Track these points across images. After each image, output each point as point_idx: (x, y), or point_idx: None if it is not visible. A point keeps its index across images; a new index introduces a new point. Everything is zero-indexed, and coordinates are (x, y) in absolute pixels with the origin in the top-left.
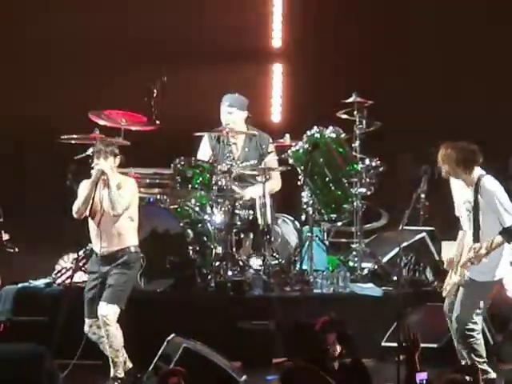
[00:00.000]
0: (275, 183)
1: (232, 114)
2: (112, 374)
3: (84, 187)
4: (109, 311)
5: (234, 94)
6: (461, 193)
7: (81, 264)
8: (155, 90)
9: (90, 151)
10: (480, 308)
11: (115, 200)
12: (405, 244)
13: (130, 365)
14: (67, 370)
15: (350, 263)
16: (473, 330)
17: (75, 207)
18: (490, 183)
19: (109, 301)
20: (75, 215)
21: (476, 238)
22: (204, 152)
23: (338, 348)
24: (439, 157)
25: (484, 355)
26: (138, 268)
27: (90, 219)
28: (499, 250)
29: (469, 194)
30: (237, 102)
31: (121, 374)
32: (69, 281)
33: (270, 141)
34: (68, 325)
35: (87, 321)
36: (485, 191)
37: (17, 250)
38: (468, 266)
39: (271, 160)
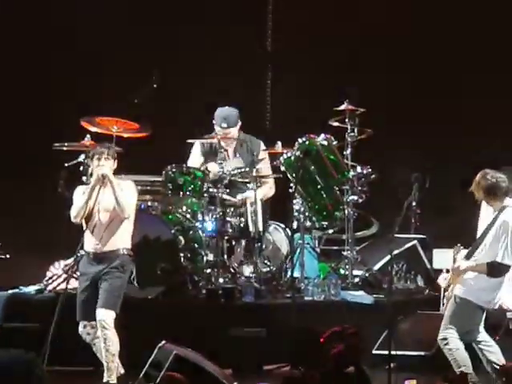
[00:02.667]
0: (268, 189)
1: (228, 133)
2: (105, 379)
3: (80, 193)
4: (107, 316)
5: (227, 111)
6: (487, 215)
7: (72, 270)
8: (148, 96)
9: (81, 158)
10: (455, 324)
11: (123, 203)
12: (396, 252)
13: (122, 371)
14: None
15: (341, 271)
16: (444, 339)
17: (74, 212)
18: (510, 216)
19: (106, 306)
20: (74, 220)
21: (469, 255)
22: (195, 159)
23: (343, 359)
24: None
25: (464, 366)
26: (130, 271)
27: (84, 220)
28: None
29: (490, 218)
30: (232, 120)
31: (114, 379)
32: (61, 287)
33: (263, 147)
34: (59, 331)
35: (81, 322)
36: (501, 221)
37: (8, 256)
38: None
39: (264, 167)
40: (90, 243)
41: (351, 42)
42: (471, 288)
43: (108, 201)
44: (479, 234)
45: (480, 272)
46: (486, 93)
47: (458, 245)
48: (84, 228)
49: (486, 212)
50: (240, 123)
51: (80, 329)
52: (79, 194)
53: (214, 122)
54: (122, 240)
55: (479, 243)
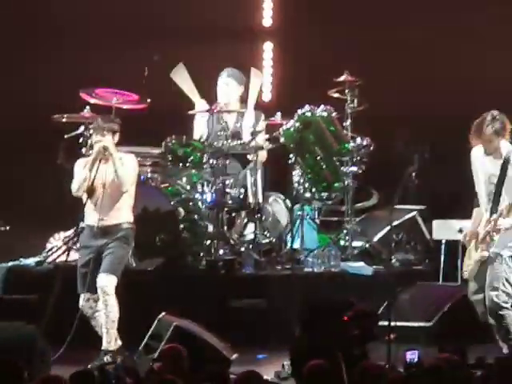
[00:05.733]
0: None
1: (228, 86)
2: (104, 346)
3: (81, 166)
4: (109, 282)
5: (232, 68)
6: (487, 166)
7: (72, 242)
8: (146, 69)
9: (80, 129)
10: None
11: (122, 176)
12: (396, 223)
13: (119, 342)
14: (60, 351)
15: (341, 242)
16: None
17: (75, 185)
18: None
19: (108, 271)
20: (75, 193)
21: (495, 211)
22: (199, 130)
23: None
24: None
25: None
26: (132, 245)
27: (85, 194)
28: None
29: (496, 167)
30: (235, 74)
31: (112, 346)
32: (61, 259)
33: (263, 117)
34: (59, 303)
35: (83, 295)
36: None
37: (7, 227)
38: (487, 240)
39: (261, 139)
40: (92, 217)
41: (352, 10)
42: (499, 242)
43: (109, 174)
44: (478, 184)
45: None
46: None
47: (482, 205)
48: (85, 201)
49: (482, 160)
50: (242, 89)
51: (81, 302)
52: (80, 167)
53: (218, 79)
54: (125, 213)
55: (498, 198)
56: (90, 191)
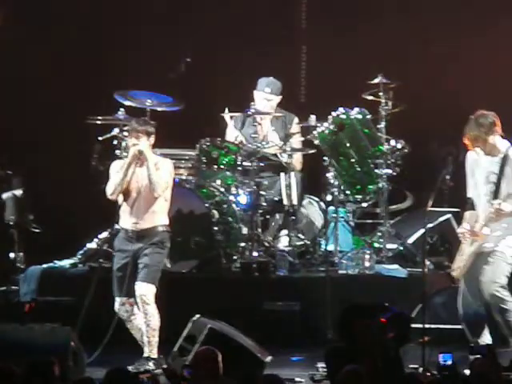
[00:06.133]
0: (296, 163)
1: (271, 101)
2: (146, 354)
3: (116, 168)
4: (148, 291)
5: (271, 79)
6: (485, 165)
7: (107, 244)
8: (181, 71)
9: (115, 131)
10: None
11: (155, 181)
12: (430, 225)
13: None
14: (95, 353)
15: (376, 244)
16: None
17: (111, 188)
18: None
19: (147, 280)
20: (111, 196)
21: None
22: (232, 132)
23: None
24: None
25: None
26: (168, 247)
27: (121, 197)
28: None
29: (493, 165)
30: (276, 88)
31: (155, 354)
32: (95, 261)
33: (296, 121)
34: (94, 305)
35: (118, 299)
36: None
37: (38, 230)
38: (485, 228)
39: (295, 141)
40: (127, 220)
41: (386, 12)
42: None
43: (144, 178)
44: (473, 187)
45: None
46: None
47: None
48: (120, 204)
49: (478, 161)
50: (280, 97)
51: (117, 306)
52: (115, 170)
53: (255, 90)
54: (160, 217)
55: (498, 193)
56: (125, 194)
